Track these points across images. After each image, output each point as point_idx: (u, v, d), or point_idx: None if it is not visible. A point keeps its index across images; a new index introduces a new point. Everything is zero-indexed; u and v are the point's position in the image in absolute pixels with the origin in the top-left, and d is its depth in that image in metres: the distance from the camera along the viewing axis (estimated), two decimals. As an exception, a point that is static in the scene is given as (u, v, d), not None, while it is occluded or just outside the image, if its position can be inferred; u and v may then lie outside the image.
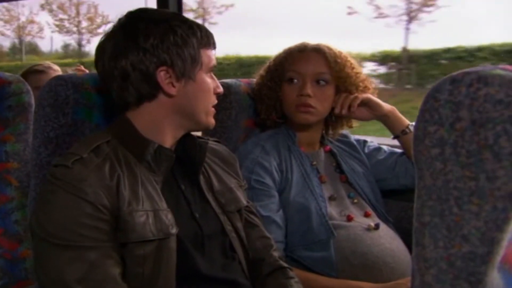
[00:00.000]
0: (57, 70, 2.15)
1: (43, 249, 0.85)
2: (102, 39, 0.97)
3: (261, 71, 1.44)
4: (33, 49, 20.12)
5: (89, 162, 0.87)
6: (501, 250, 0.46)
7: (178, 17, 0.98)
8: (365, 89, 1.41)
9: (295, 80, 1.34)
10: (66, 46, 20.10)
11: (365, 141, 1.53)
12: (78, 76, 1.07)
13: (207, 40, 0.99)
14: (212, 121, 1.02)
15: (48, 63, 2.20)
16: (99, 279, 0.82)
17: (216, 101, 1.03)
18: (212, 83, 1.01)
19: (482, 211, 0.45)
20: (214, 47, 1.01)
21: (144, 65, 0.92)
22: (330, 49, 1.36)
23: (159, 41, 0.92)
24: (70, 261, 0.82)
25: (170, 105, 0.96)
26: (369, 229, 1.29)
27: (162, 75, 0.93)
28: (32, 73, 2.10)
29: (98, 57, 0.97)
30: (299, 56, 1.36)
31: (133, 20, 0.96)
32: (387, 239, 1.28)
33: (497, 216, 0.45)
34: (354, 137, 1.54)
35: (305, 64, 1.34)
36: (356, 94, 1.37)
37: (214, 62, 1.01)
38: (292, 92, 1.34)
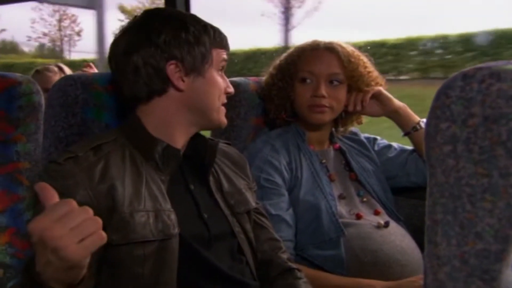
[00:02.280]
0: (53, 71, 2.14)
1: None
2: (117, 35, 0.99)
3: (271, 69, 1.43)
4: (13, 48, 20.48)
5: (82, 160, 0.88)
6: (515, 247, 0.46)
7: (193, 17, 1.00)
8: (377, 85, 1.40)
9: (308, 80, 1.33)
10: (41, 46, 20.53)
11: (375, 139, 1.52)
12: (87, 76, 1.08)
13: (220, 41, 1.01)
14: (223, 119, 1.03)
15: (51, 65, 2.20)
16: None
17: (225, 101, 1.04)
18: (222, 82, 1.02)
19: (496, 208, 0.45)
20: (227, 49, 1.03)
21: (155, 59, 0.94)
22: (343, 47, 1.35)
23: (171, 38, 0.95)
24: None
25: (180, 100, 0.97)
26: (379, 227, 1.29)
27: (172, 69, 0.95)
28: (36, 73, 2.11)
29: (112, 53, 0.99)
30: (312, 55, 1.34)
31: (148, 17, 0.99)
32: (397, 237, 1.28)
33: (511, 213, 0.44)
34: (364, 135, 1.53)
35: (319, 64, 1.33)
36: (366, 89, 1.37)
37: (225, 62, 1.02)
38: (306, 92, 1.33)
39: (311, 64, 1.33)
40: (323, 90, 1.31)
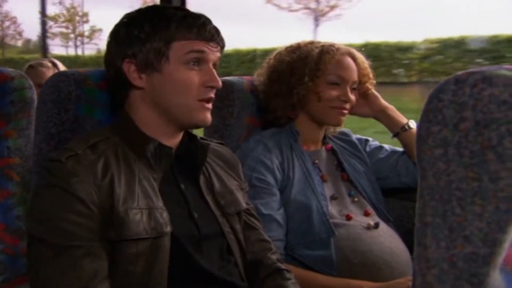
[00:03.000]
0: (47, 67, 2.12)
1: (32, 243, 0.85)
2: (108, 38, 1.01)
3: (276, 66, 1.40)
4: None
5: (83, 158, 0.88)
6: (503, 251, 0.46)
7: (157, 11, 0.98)
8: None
9: (338, 83, 1.35)
10: (27, 41, 20.73)
11: (367, 140, 1.53)
12: (80, 72, 1.07)
13: (187, 33, 0.95)
14: (204, 117, 0.98)
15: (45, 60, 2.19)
16: (84, 276, 0.82)
17: (209, 95, 0.98)
18: (195, 74, 0.96)
19: (485, 212, 0.45)
20: (201, 38, 0.96)
21: (114, 58, 0.97)
22: (359, 55, 1.40)
23: (125, 36, 0.96)
24: (55, 258, 0.82)
25: (144, 98, 0.98)
26: (368, 228, 1.29)
27: (126, 67, 0.96)
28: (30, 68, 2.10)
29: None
30: (341, 61, 1.36)
31: (127, 16, 1.00)
32: (387, 238, 1.28)
33: (500, 217, 0.45)
34: (355, 136, 1.54)
35: (348, 71, 1.36)
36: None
37: (197, 54, 0.96)
38: (334, 94, 1.35)
39: (341, 69, 1.35)
40: (351, 96, 1.36)
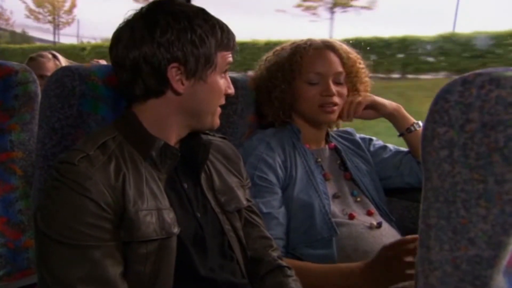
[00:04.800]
0: (47, 57, 2.14)
1: (46, 246, 0.85)
2: (121, 25, 0.95)
3: (265, 72, 1.40)
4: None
5: (95, 160, 0.87)
6: (507, 254, 0.46)
7: (202, 15, 0.94)
8: (367, 85, 1.43)
9: (316, 81, 1.34)
10: (12, 33, 20.86)
11: (370, 139, 1.53)
12: (85, 68, 1.07)
13: (227, 42, 0.96)
14: (217, 122, 1.01)
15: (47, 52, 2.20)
16: (100, 278, 0.82)
17: (224, 102, 1.01)
18: (223, 83, 0.99)
19: (490, 214, 0.45)
20: (233, 49, 0.99)
21: (156, 59, 0.90)
22: (340, 45, 1.37)
23: (176, 37, 0.90)
24: (73, 260, 0.82)
25: (177, 103, 0.94)
26: (371, 227, 1.29)
27: (173, 72, 0.92)
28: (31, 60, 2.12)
29: (113, 44, 0.95)
30: (316, 55, 1.34)
31: (155, 11, 0.94)
32: (389, 238, 1.28)
33: (505, 220, 0.44)
34: (359, 135, 1.53)
35: (325, 65, 1.34)
36: (359, 99, 1.39)
37: (229, 65, 0.98)
38: (315, 92, 1.34)
39: (317, 65, 1.34)
40: (334, 89, 1.33)
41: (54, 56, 2.17)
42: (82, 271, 0.81)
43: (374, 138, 1.54)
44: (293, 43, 1.39)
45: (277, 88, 1.35)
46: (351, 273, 1.13)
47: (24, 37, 20.90)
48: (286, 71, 1.35)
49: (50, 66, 2.11)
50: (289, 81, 1.34)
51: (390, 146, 1.51)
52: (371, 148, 1.50)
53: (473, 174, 0.45)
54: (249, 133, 1.44)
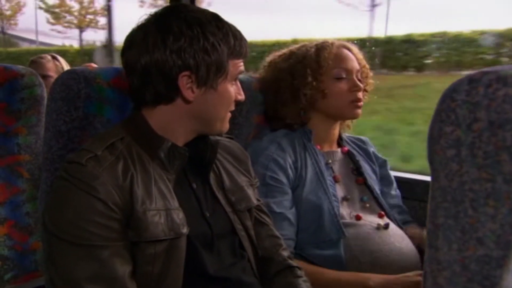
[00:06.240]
0: (47, 59, 2.22)
1: (55, 245, 0.85)
2: (134, 29, 0.95)
3: (281, 73, 1.39)
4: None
5: (103, 160, 0.87)
6: (516, 254, 0.45)
7: (215, 21, 0.93)
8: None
9: (344, 76, 1.36)
10: None
11: (385, 161, 1.52)
12: (90, 70, 1.07)
13: (240, 50, 0.96)
14: (226, 126, 1.01)
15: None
16: (109, 277, 0.82)
17: (234, 108, 1.01)
18: (234, 90, 0.98)
19: (498, 214, 0.45)
20: (246, 56, 0.98)
21: (168, 66, 0.90)
22: (352, 46, 1.41)
23: (188, 45, 0.89)
24: (81, 259, 0.82)
25: (186, 110, 0.94)
26: (378, 228, 1.29)
27: (184, 80, 0.91)
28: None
29: (125, 47, 0.95)
30: (341, 53, 1.38)
31: (168, 17, 0.92)
32: (396, 239, 1.28)
33: None
34: (373, 148, 1.53)
35: (350, 61, 1.37)
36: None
37: (241, 71, 0.98)
38: (343, 87, 1.36)
39: (343, 61, 1.37)
40: (361, 84, 1.36)
41: (54, 57, 2.28)
42: (90, 270, 0.82)
43: (388, 162, 1.53)
44: (310, 43, 1.41)
45: (307, 86, 1.34)
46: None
47: None
48: (314, 68, 1.35)
49: (51, 67, 2.22)
50: (317, 77, 1.35)
51: (396, 190, 1.50)
52: (381, 171, 1.50)
53: (481, 173, 0.45)
54: (255, 134, 1.43)
